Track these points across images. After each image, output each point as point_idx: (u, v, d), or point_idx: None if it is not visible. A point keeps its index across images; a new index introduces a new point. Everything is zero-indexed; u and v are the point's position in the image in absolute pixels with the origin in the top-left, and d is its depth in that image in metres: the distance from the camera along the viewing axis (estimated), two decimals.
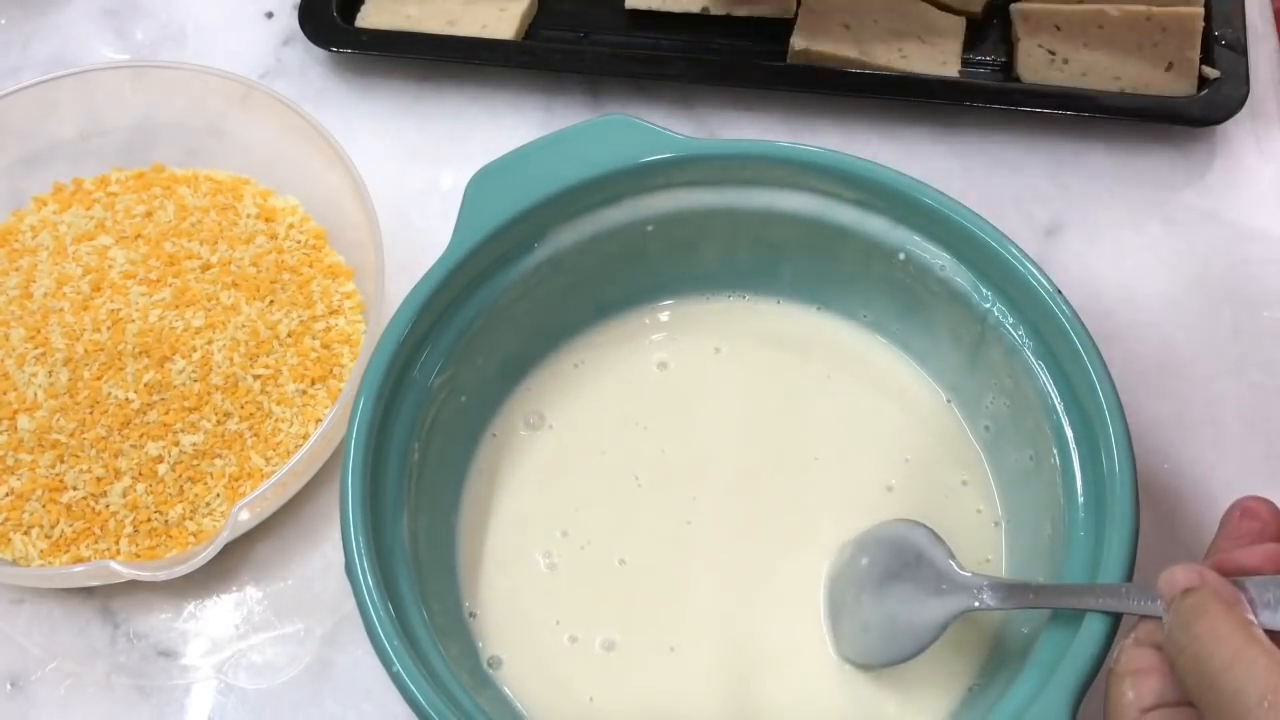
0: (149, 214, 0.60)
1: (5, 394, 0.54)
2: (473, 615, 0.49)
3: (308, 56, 0.70)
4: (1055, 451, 0.46)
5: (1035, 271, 0.47)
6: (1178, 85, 0.65)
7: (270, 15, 0.72)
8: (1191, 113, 0.63)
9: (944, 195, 0.49)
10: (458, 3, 0.69)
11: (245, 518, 0.51)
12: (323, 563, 0.55)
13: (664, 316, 0.56)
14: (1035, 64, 0.66)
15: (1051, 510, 0.46)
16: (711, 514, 0.51)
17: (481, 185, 0.50)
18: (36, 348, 0.55)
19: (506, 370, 0.53)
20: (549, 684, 0.47)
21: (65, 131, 0.62)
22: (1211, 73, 0.64)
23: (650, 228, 0.52)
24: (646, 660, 0.48)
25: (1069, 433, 0.46)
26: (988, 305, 0.49)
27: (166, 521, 0.53)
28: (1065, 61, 0.66)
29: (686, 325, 0.55)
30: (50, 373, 0.55)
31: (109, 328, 0.56)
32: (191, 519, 0.53)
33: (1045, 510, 0.47)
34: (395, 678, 0.40)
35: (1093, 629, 0.40)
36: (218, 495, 0.53)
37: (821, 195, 0.51)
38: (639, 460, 0.52)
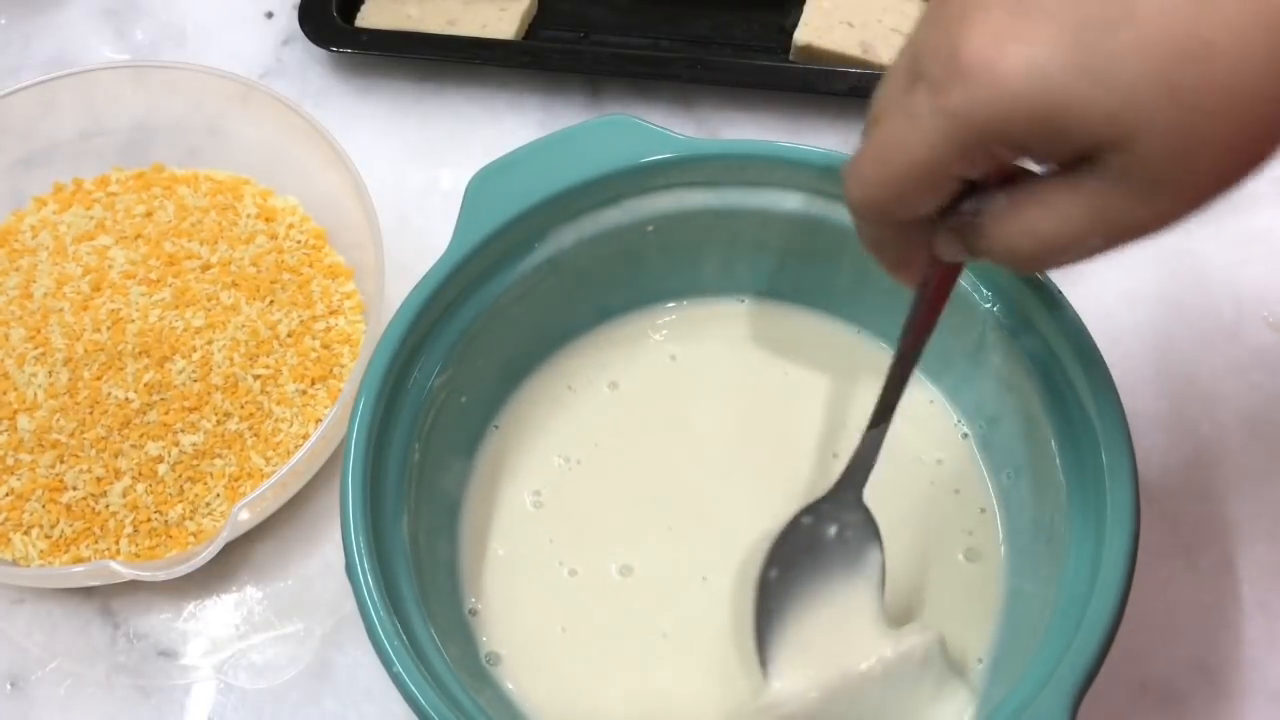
0: (149, 214, 0.60)
1: (5, 394, 0.54)
2: (473, 613, 0.49)
3: (308, 56, 0.70)
4: (1055, 452, 0.46)
5: (1040, 274, 0.47)
6: None
7: (270, 15, 0.72)
8: None
9: None
10: (458, 3, 0.69)
11: (245, 518, 0.51)
12: (323, 563, 0.55)
13: (666, 319, 0.56)
14: None
15: (1051, 511, 0.46)
16: (716, 514, 0.51)
17: (482, 185, 0.49)
18: (36, 348, 0.55)
19: (508, 371, 0.53)
20: (548, 678, 0.47)
21: (65, 131, 0.62)
22: None
23: (651, 228, 0.52)
24: (647, 656, 0.48)
25: (1069, 433, 0.46)
26: (988, 306, 0.49)
27: (166, 521, 0.53)
28: None
29: (688, 328, 0.55)
30: (50, 373, 0.55)
31: (109, 328, 0.56)
32: (191, 519, 0.53)
33: (1045, 512, 0.47)
34: (395, 678, 0.40)
35: (1093, 630, 0.40)
36: (218, 495, 0.53)
37: (822, 196, 0.51)
38: (646, 456, 0.52)
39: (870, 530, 0.46)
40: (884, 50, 0.66)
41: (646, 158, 0.50)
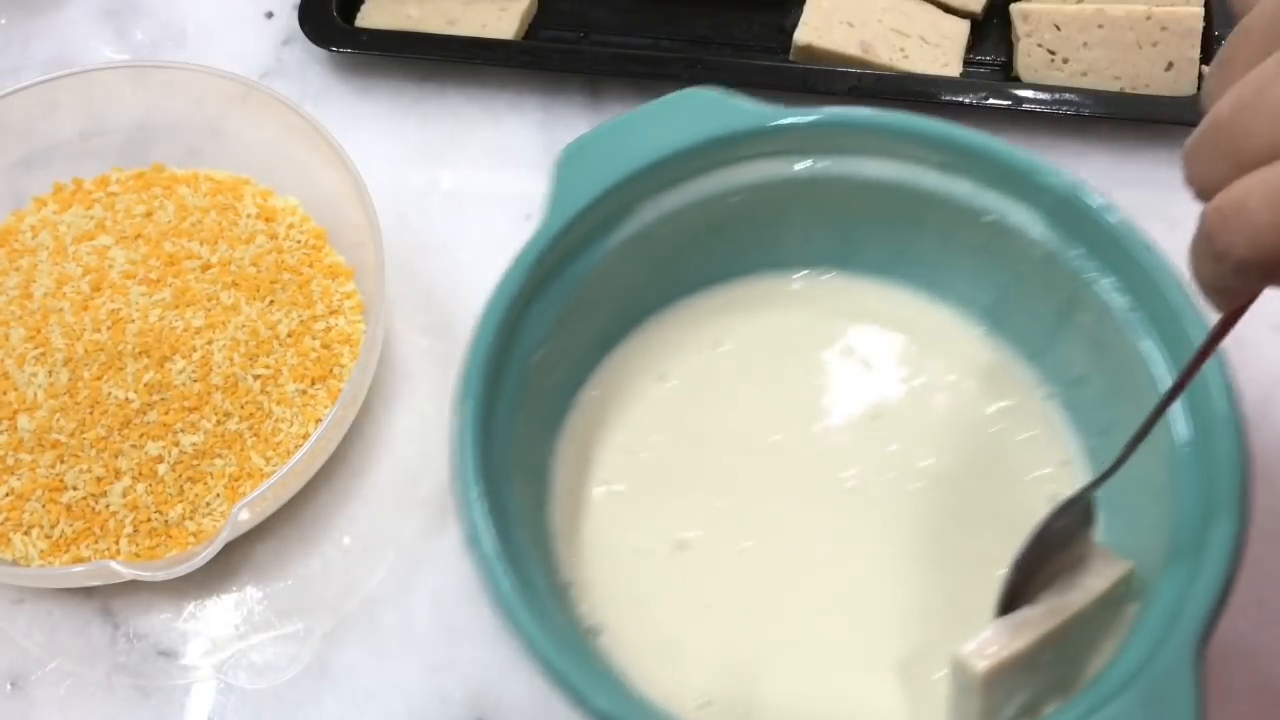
0: (149, 214, 0.60)
1: (5, 394, 0.54)
2: (570, 585, 0.49)
3: (308, 56, 0.70)
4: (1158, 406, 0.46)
5: (1132, 227, 0.47)
6: (1178, 85, 0.65)
7: (270, 15, 0.72)
8: (1191, 113, 0.63)
9: (1033, 155, 0.49)
10: (458, 3, 0.69)
11: (245, 518, 0.51)
12: (323, 563, 0.55)
13: (750, 292, 0.55)
14: (1035, 64, 0.66)
15: (1151, 465, 0.46)
16: (811, 481, 0.51)
17: (571, 160, 0.49)
18: (36, 348, 0.55)
19: (593, 347, 0.53)
20: (651, 650, 0.47)
21: (65, 131, 0.62)
22: None
23: (734, 200, 0.52)
24: (751, 622, 0.48)
25: (1166, 386, 0.46)
26: (1078, 264, 0.49)
27: (166, 521, 0.53)
28: (1065, 61, 0.66)
29: (772, 300, 0.55)
30: (50, 373, 0.55)
31: (109, 328, 0.56)
32: (191, 519, 0.53)
33: (1145, 468, 0.46)
34: (521, 639, 0.41)
35: (1213, 570, 0.40)
36: (218, 495, 0.53)
37: (907, 161, 0.51)
38: (737, 427, 0.52)
39: (1087, 517, 0.46)
40: (884, 50, 0.66)
41: (732, 129, 0.50)
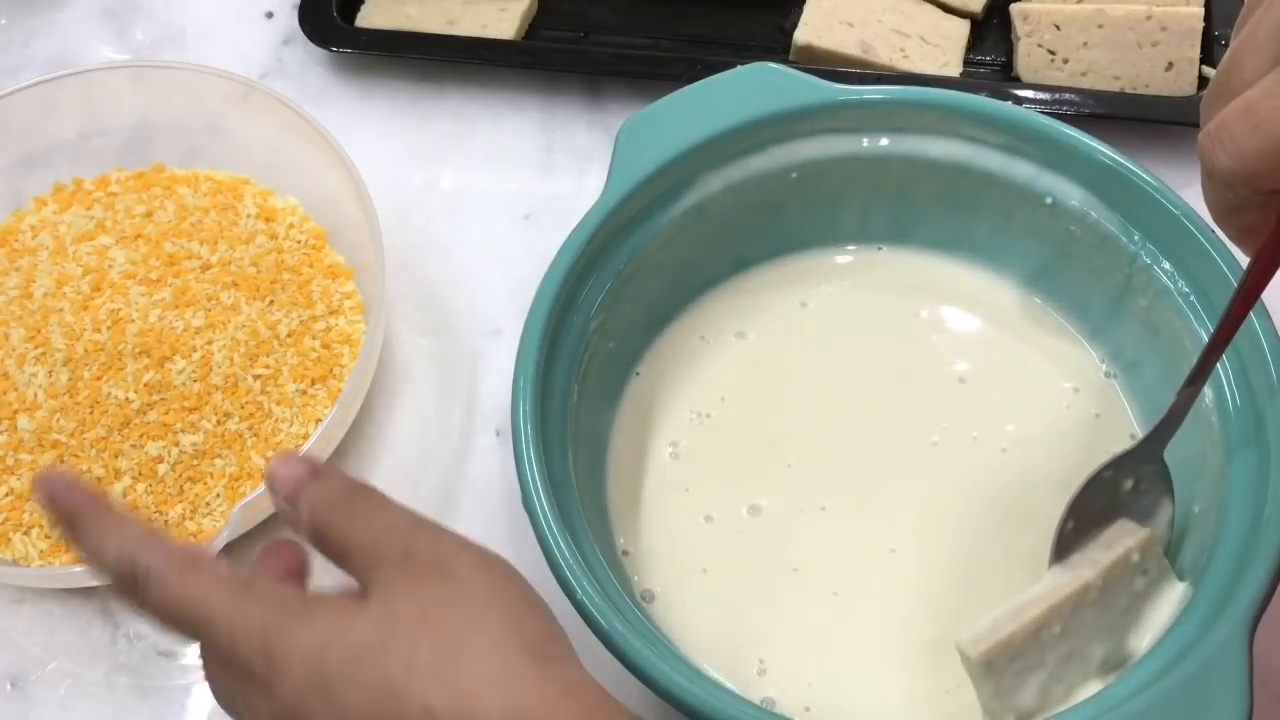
0: (149, 214, 0.60)
1: (5, 394, 0.54)
2: (626, 553, 0.49)
3: (308, 56, 0.70)
4: (1209, 390, 0.46)
5: (1190, 211, 0.47)
6: (1178, 85, 0.65)
7: (270, 15, 0.72)
8: (1191, 113, 0.63)
9: (1095, 140, 0.49)
10: (458, 3, 0.69)
11: (245, 518, 0.51)
12: (322, 562, 0.55)
13: (802, 267, 0.56)
14: (1035, 64, 0.66)
15: (1206, 449, 0.46)
16: (859, 458, 0.51)
17: (632, 133, 0.50)
18: (36, 348, 0.55)
19: (649, 319, 0.54)
20: (702, 615, 0.47)
21: (65, 131, 0.62)
22: (1211, 72, 0.64)
23: (795, 175, 0.52)
24: (801, 590, 0.48)
25: (1222, 371, 0.46)
26: (1135, 248, 0.49)
27: (166, 521, 0.53)
28: (1065, 61, 0.66)
29: (826, 274, 0.55)
30: (50, 373, 0.55)
31: (109, 328, 0.56)
32: (191, 519, 0.53)
33: (1199, 452, 0.47)
34: (579, 606, 0.41)
35: (1267, 551, 0.41)
36: (218, 495, 0.53)
37: (968, 141, 0.51)
38: (779, 401, 0.52)
39: (1165, 484, 0.46)
40: (884, 50, 0.66)
41: (793, 104, 0.50)
